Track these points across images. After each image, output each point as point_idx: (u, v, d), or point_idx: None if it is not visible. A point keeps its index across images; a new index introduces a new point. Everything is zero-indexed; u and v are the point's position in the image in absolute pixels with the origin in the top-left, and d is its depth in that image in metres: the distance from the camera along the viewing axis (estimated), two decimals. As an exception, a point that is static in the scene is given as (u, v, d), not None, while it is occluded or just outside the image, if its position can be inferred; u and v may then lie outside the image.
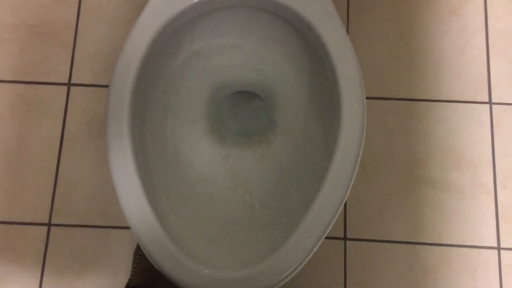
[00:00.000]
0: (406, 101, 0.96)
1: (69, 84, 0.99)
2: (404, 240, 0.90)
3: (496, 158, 0.93)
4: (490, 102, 0.95)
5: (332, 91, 0.66)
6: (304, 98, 0.76)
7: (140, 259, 0.86)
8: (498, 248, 0.89)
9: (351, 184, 0.62)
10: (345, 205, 0.91)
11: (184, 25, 0.69)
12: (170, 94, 0.75)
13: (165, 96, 0.73)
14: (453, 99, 0.96)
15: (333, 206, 0.61)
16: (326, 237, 0.88)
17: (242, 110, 0.85)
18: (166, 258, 0.58)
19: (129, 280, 0.84)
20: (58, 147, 0.96)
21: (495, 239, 0.89)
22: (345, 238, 0.90)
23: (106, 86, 0.99)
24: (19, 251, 0.91)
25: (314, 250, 0.61)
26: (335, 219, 0.62)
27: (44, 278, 0.90)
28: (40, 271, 0.91)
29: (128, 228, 0.92)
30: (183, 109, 0.76)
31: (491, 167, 0.92)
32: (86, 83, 0.99)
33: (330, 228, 0.61)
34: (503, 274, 0.88)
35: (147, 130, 0.71)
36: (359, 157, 0.63)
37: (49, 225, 0.92)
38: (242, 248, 0.69)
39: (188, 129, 0.77)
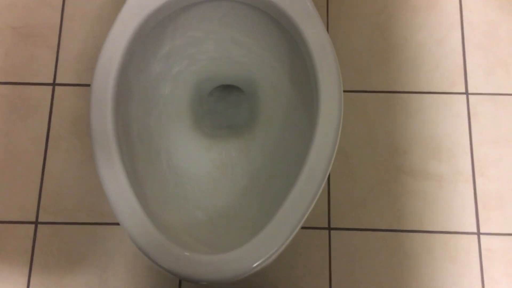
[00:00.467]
0: (386, 93, 0.98)
1: (54, 84, 1.00)
2: (386, 228, 0.91)
3: (473, 147, 0.95)
4: (466, 93, 0.98)
5: (311, 82, 0.68)
6: (285, 88, 0.77)
7: None
8: (478, 234, 0.91)
9: (327, 175, 0.63)
10: (328, 195, 0.93)
11: (165, 20, 0.70)
12: (153, 89, 0.76)
13: (148, 92, 0.75)
14: (431, 90, 0.98)
15: (307, 198, 0.62)
16: (311, 227, 0.91)
17: (225, 103, 0.87)
18: (150, 242, 0.59)
19: None
20: (44, 146, 0.97)
21: (475, 225, 0.91)
22: (329, 228, 0.92)
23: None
24: (7, 250, 0.92)
25: (289, 239, 0.62)
26: (310, 208, 0.63)
27: (32, 276, 0.91)
28: (28, 269, 0.91)
29: (115, 224, 0.93)
30: (166, 104, 0.78)
31: (469, 155, 0.95)
32: (70, 82, 1.00)
33: (305, 217, 0.62)
34: (483, 258, 0.90)
35: (132, 127, 0.72)
36: (336, 147, 0.64)
37: (36, 223, 0.93)
38: (227, 236, 0.70)
39: (171, 125, 0.78)
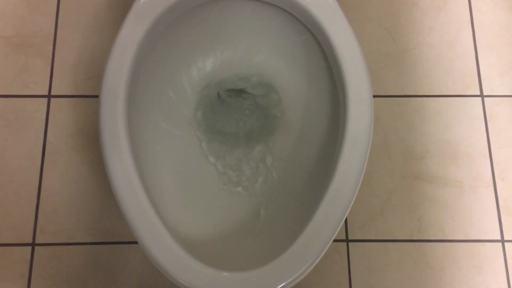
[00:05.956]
0: (399, 97, 0.95)
1: (49, 96, 0.94)
2: (407, 239, 0.87)
3: (492, 151, 0.92)
4: (481, 95, 0.95)
5: (337, 86, 0.64)
6: (302, 91, 0.73)
7: None
8: (502, 241, 0.87)
9: (359, 185, 0.60)
10: (345, 205, 0.89)
11: (175, 21, 0.66)
12: (164, 95, 0.71)
13: (159, 98, 0.70)
14: (445, 93, 0.95)
15: (340, 209, 0.58)
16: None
17: (237, 110, 0.82)
18: (168, 257, 0.54)
19: None
20: (40, 162, 0.91)
21: (499, 232, 0.88)
22: (347, 240, 0.87)
23: (88, 96, 0.95)
24: (1, 275, 0.85)
25: (320, 257, 0.58)
26: (341, 224, 0.59)
27: (30, 302, 0.84)
28: (25, 295, 0.85)
29: (118, 243, 0.87)
30: (175, 111, 0.73)
31: (488, 159, 0.91)
32: (67, 94, 0.94)
33: (336, 233, 0.58)
34: (509, 266, 0.86)
35: (144, 135, 0.68)
36: (366, 159, 0.60)
37: (33, 245, 0.87)
38: (243, 248, 0.66)
39: (182, 132, 0.73)
